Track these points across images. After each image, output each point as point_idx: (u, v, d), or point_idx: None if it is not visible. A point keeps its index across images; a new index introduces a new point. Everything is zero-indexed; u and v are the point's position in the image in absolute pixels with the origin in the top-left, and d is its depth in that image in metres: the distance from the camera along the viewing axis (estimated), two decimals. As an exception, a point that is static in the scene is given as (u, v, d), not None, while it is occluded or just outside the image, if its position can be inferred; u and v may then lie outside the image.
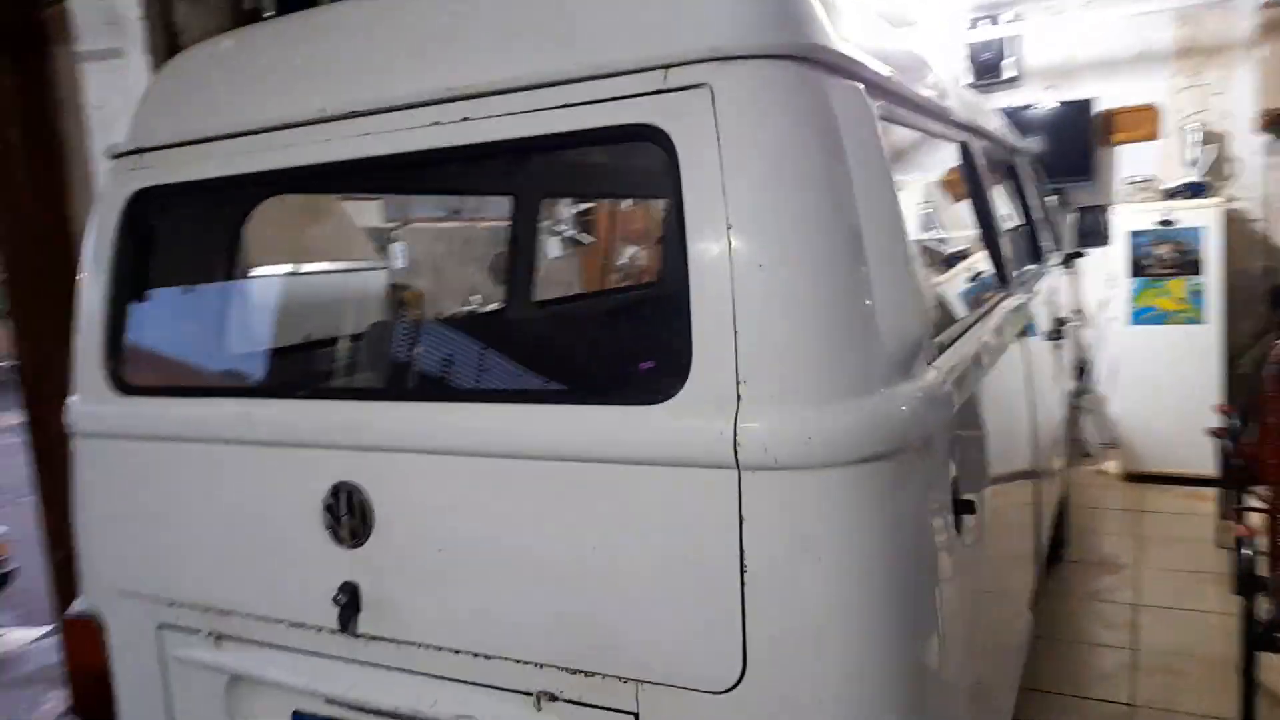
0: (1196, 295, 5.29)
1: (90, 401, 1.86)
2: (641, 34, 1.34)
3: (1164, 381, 5.33)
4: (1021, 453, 2.36)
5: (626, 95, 1.33)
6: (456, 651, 1.49)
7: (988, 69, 6.18)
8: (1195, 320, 5.28)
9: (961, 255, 2.55)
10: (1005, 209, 3.55)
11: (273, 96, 1.69)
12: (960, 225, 2.56)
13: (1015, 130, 4.03)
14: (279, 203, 2.18)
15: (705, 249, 1.27)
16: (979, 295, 2.34)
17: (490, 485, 1.43)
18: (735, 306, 1.25)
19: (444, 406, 1.52)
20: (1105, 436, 5.80)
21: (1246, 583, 2.59)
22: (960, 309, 2.09)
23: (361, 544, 1.55)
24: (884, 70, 1.62)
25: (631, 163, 2.71)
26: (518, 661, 1.44)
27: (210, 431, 1.70)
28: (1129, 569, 4.16)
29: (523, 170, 2.72)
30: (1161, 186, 5.74)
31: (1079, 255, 4.70)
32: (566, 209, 6.52)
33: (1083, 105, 5.88)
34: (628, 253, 6.69)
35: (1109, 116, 5.98)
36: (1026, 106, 6.00)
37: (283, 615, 1.65)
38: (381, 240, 4.35)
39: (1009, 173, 3.57)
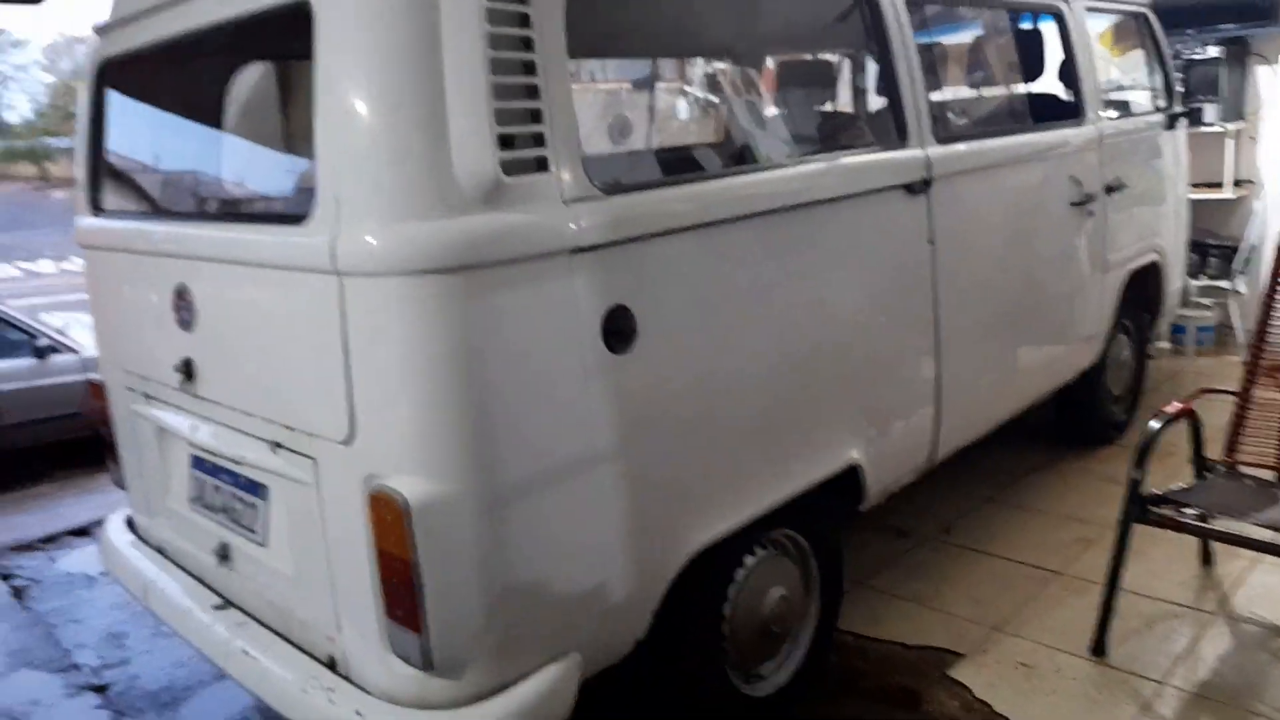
0: (1372, 164, 4.54)
1: (82, 220, 2.54)
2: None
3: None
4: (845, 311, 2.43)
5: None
6: (236, 410, 2.01)
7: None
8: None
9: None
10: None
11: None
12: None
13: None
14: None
15: (326, 101, 1.62)
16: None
17: (235, 287, 1.90)
18: (336, 140, 1.59)
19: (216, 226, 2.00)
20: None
21: (1141, 452, 2.53)
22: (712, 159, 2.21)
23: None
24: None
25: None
26: (263, 419, 1.93)
27: (126, 244, 2.31)
28: (1181, 459, 3.90)
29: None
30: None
31: (1184, 116, 4.22)
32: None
33: (1274, -65, 5.02)
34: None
35: (1313, -51, 5.07)
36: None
37: (165, 380, 2.26)
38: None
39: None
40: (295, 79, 2.21)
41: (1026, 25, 3.60)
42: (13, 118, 34.21)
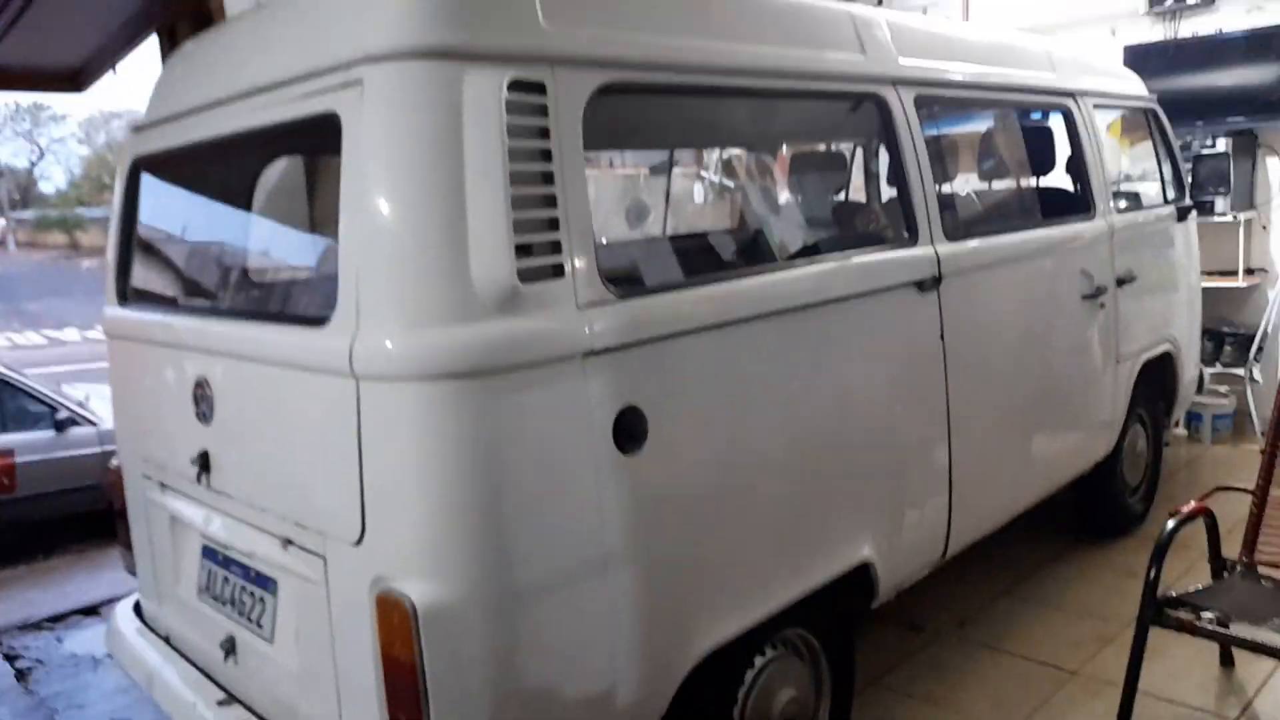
0: (1384, 255, 4.55)
1: (110, 310, 2.60)
2: (326, 45, 1.75)
3: (1334, 353, 4.68)
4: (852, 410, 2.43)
5: (322, 90, 1.75)
6: (251, 505, 2.03)
7: (1173, -8, 5.54)
8: (1379, 285, 4.56)
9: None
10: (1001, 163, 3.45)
11: (191, 88, 2.27)
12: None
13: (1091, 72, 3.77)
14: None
15: (350, 209, 1.67)
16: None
17: (256, 384, 1.94)
18: (359, 246, 1.64)
19: (239, 324, 2.05)
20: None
21: (1157, 552, 2.50)
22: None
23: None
24: (610, 49, 1.88)
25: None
26: (276, 515, 1.95)
27: (150, 335, 2.36)
28: (1198, 552, 3.84)
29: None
30: (1374, 127, 4.93)
31: (1196, 209, 4.26)
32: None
33: (1278, 32, 5.13)
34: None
35: (1319, 45, 5.17)
36: (1198, 38, 5.35)
37: (181, 471, 2.28)
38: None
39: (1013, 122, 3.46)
40: (321, 179, 2.28)
41: (1036, 120, 3.68)
42: (48, 188, 35.25)
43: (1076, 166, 3.59)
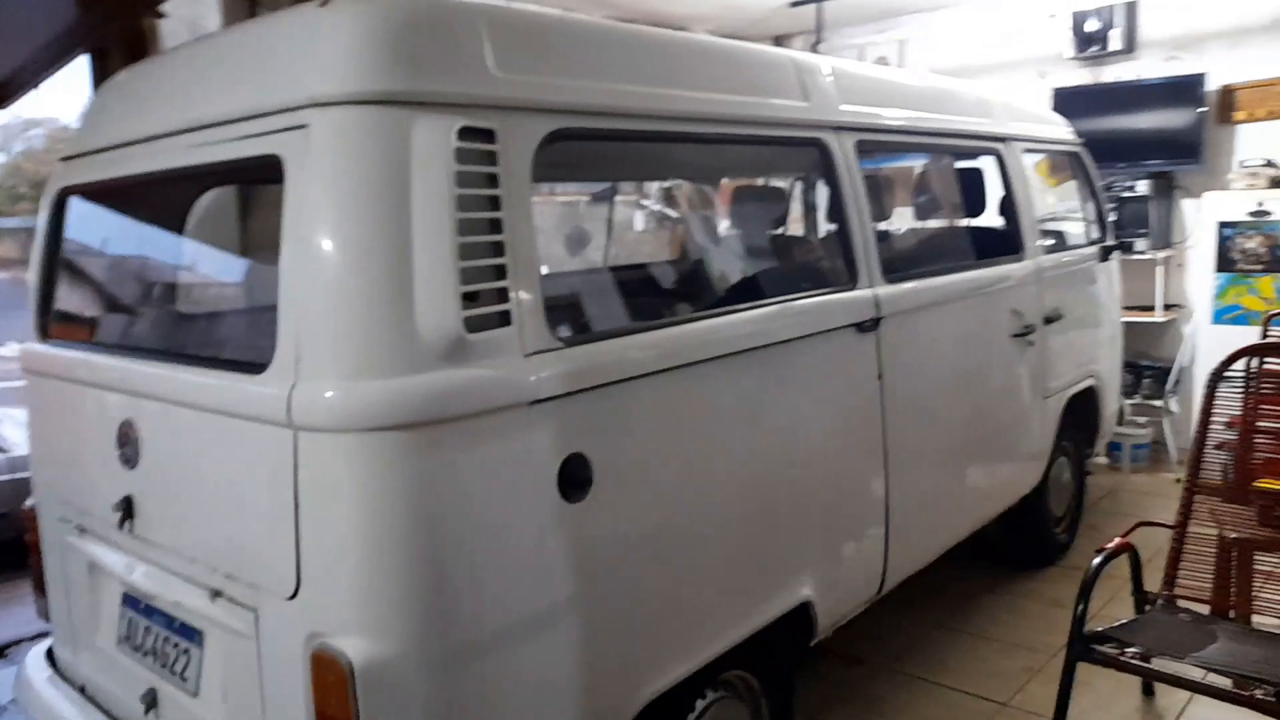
0: (1289, 296, 4.80)
1: (29, 345, 2.49)
2: (270, 86, 1.70)
3: (1245, 387, 4.88)
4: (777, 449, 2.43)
5: (266, 132, 1.70)
6: (177, 554, 1.95)
7: (1092, 40, 5.79)
8: (1284, 323, 4.79)
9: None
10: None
11: (124, 120, 2.19)
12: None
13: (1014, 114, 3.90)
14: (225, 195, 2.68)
15: (292, 254, 1.63)
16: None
17: (184, 429, 1.87)
18: (300, 292, 1.60)
19: (167, 366, 1.98)
20: (1186, 444, 5.38)
21: (1083, 590, 2.58)
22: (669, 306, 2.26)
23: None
24: (561, 95, 1.87)
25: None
26: (204, 564, 1.88)
27: (71, 373, 2.26)
28: (1121, 580, 3.96)
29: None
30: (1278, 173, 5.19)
31: (1118, 248, 4.44)
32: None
33: (1193, 80, 5.39)
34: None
35: (1228, 93, 5.45)
36: (1120, 84, 5.60)
37: (102, 516, 2.18)
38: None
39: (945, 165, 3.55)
40: (257, 218, 2.22)
41: (967, 164, 3.79)
42: (-43, 196, 33.73)
43: (1007, 209, 3.70)
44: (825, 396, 2.56)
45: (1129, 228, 5.38)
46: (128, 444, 2.05)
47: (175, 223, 2.46)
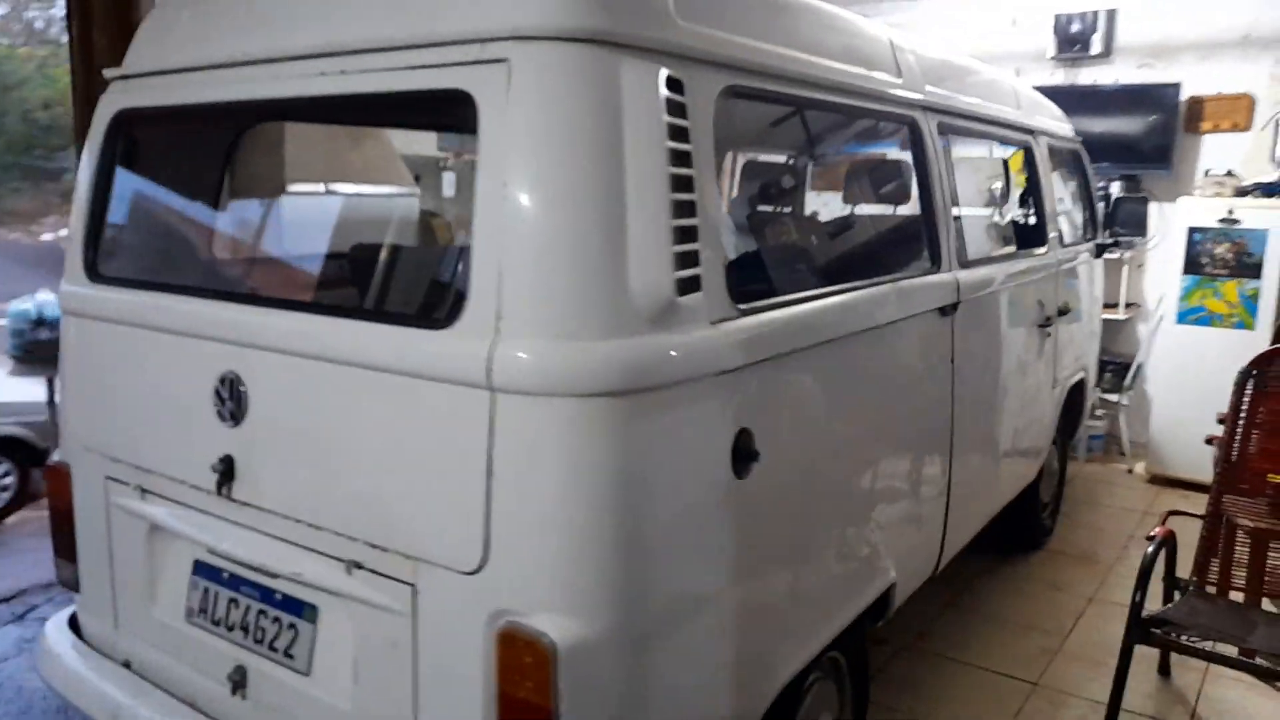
0: (1250, 300, 5.07)
1: (72, 285, 2.23)
2: (451, 11, 1.55)
3: (1204, 386, 5.15)
4: (902, 425, 2.46)
5: (447, 64, 1.55)
6: (297, 521, 1.78)
7: (1074, 42, 5.95)
8: (1245, 326, 5.07)
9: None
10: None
11: (215, 40, 1.97)
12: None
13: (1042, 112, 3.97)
14: (307, 127, 2.44)
15: (490, 202, 1.49)
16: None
17: (322, 386, 1.70)
18: (500, 242, 1.46)
19: (300, 317, 1.79)
20: (1139, 436, 5.67)
21: (1141, 577, 2.65)
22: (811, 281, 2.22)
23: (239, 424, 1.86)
24: (731, 51, 1.77)
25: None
26: (336, 534, 1.72)
27: (140, 318, 2.04)
28: (1105, 565, 4.15)
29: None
30: (1241, 184, 5.47)
31: (1112, 246, 4.60)
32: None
33: (1168, 89, 5.61)
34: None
35: (1196, 103, 5.69)
36: (1097, 87, 5.79)
37: (184, 477, 1.98)
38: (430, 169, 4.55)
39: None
40: (426, 161, 2.04)
41: (1003, 153, 3.84)
42: None
43: (1033, 200, 3.78)
44: (913, 377, 2.55)
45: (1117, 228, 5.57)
46: (230, 399, 1.86)
47: (272, 161, 2.24)
